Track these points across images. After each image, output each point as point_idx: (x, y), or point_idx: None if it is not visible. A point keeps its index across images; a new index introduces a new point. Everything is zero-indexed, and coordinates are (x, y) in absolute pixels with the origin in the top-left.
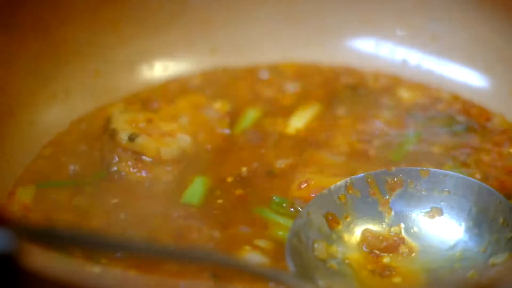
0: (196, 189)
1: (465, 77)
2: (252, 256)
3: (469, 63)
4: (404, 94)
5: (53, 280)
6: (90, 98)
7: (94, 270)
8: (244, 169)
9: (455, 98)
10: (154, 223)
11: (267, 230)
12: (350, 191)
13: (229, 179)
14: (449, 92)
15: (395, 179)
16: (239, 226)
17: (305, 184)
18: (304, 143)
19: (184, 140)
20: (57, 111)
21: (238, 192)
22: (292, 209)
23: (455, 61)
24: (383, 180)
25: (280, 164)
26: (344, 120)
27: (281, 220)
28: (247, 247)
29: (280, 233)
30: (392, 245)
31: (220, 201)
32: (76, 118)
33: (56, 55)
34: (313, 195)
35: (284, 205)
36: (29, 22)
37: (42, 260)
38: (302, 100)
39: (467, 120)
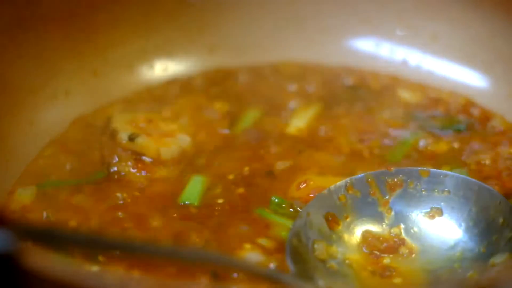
0: (194, 188)
1: (465, 77)
2: (253, 256)
3: (469, 63)
4: (404, 94)
5: (53, 280)
6: (90, 98)
7: (93, 270)
8: (244, 169)
9: (455, 98)
10: (153, 223)
11: (267, 230)
12: (350, 191)
13: (229, 180)
14: (449, 92)
15: (395, 179)
16: (239, 226)
17: (304, 185)
18: (304, 143)
19: (184, 140)
20: (57, 111)
21: (238, 192)
22: (291, 209)
23: (455, 61)
24: (383, 180)
25: (280, 164)
26: (344, 120)
27: (281, 220)
28: (248, 247)
29: (282, 233)
30: (392, 246)
31: (220, 201)
32: (76, 118)
33: (56, 55)
34: (312, 195)
35: (283, 205)
36: (29, 22)
37: (42, 260)
38: (302, 100)
39: (467, 120)
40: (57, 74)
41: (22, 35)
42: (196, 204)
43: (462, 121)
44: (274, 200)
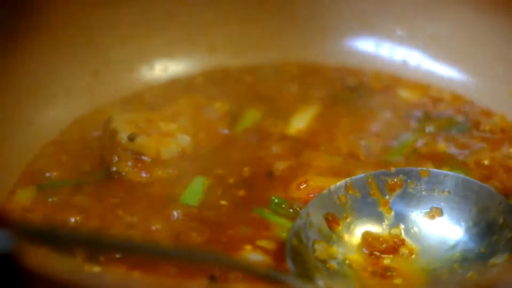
0: (195, 189)
1: (465, 77)
2: (253, 257)
3: (469, 63)
4: (404, 94)
5: (53, 280)
6: (90, 98)
7: (94, 270)
8: (243, 170)
9: (455, 98)
10: (153, 223)
11: (268, 230)
12: (350, 192)
13: (229, 180)
14: (449, 92)
15: (395, 180)
16: (240, 226)
17: (304, 185)
18: (304, 144)
19: (184, 140)
20: (57, 111)
21: (238, 193)
22: (291, 210)
23: (455, 61)
24: (383, 181)
25: (279, 164)
26: (344, 120)
27: (280, 220)
28: (248, 248)
29: (283, 234)
30: (392, 246)
31: (220, 201)
32: (76, 118)
33: (56, 55)
34: (311, 195)
35: (283, 205)
36: (29, 22)
37: (42, 260)
38: (302, 100)
39: (467, 120)
40: (57, 74)
41: (22, 35)
42: (195, 205)
43: (462, 121)
44: (274, 200)
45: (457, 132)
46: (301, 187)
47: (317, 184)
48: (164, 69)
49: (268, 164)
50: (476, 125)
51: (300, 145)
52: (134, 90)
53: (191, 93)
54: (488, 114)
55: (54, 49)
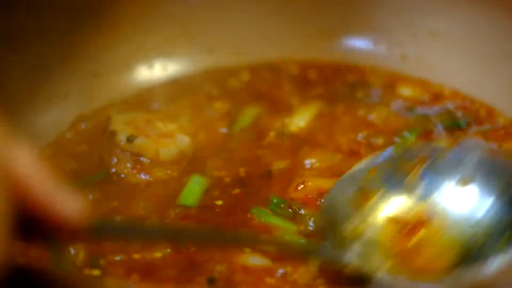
0: (193, 190)
1: (465, 73)
2: (254, 260)
3: (469, 58)
4: (404, 91)
5: (53, 282)
6: (89, 98)
7: (94, 274)
8: (242, 170)
9: (456, 94)
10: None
11: (267, 231)
12: (379, 166)
13: (227, 180)
14: (449, 88)
15: (424, 152)
16: (238, 227)
17: (302, 186)
18: (303, 142)
19: (183, 141)
20: (56, 112)
21: (237, 193)
22: (290, 210)
23: (455, 57)
24: (412, 153)
25: (278, 164)
26: (344, 118)
27: (280, 221)
28: (247, 250)
29: (287, 237)
30: (421, 221)
31: (218, 202)
32: (75, 119)
33: (55, 55)
34: (309, 196)
35: (282, 205)
36: (28, 23)
37: (41, 262)
38: (302, 99)
39: (468, 116)
40: (57, 74)
41: (21, 35)
42: (194, 206)
43: (462, 117)
44: (273, 200)
45: (458, 128)
46: (299, 188)
47: (315, 185)
48: (164, 69)
49: (266, 164)
50: (477, 121)
51: (299, 144)
52: (134, 90)
53: (190, 93)
54: (488, 110)
55: (53, 49)
